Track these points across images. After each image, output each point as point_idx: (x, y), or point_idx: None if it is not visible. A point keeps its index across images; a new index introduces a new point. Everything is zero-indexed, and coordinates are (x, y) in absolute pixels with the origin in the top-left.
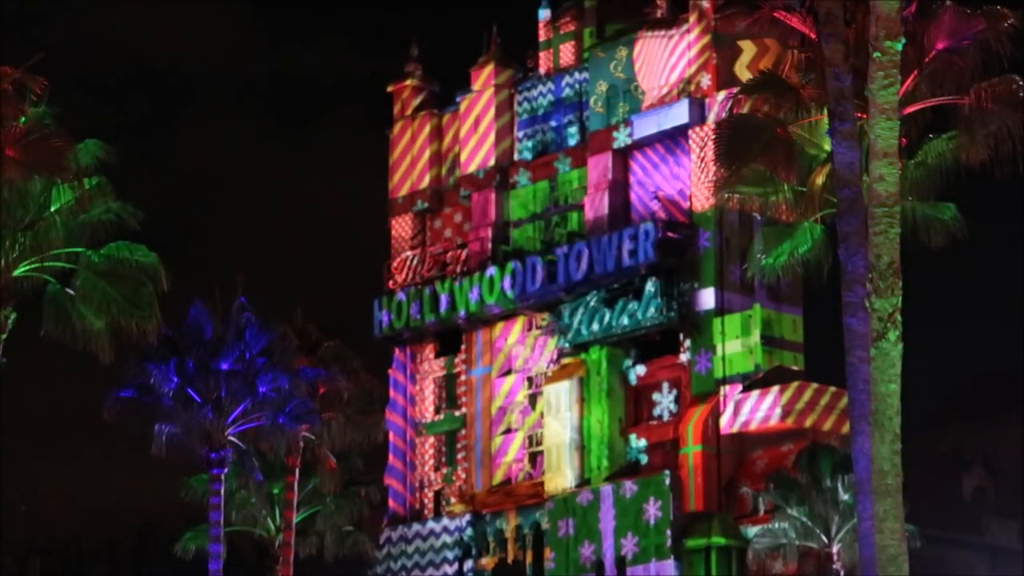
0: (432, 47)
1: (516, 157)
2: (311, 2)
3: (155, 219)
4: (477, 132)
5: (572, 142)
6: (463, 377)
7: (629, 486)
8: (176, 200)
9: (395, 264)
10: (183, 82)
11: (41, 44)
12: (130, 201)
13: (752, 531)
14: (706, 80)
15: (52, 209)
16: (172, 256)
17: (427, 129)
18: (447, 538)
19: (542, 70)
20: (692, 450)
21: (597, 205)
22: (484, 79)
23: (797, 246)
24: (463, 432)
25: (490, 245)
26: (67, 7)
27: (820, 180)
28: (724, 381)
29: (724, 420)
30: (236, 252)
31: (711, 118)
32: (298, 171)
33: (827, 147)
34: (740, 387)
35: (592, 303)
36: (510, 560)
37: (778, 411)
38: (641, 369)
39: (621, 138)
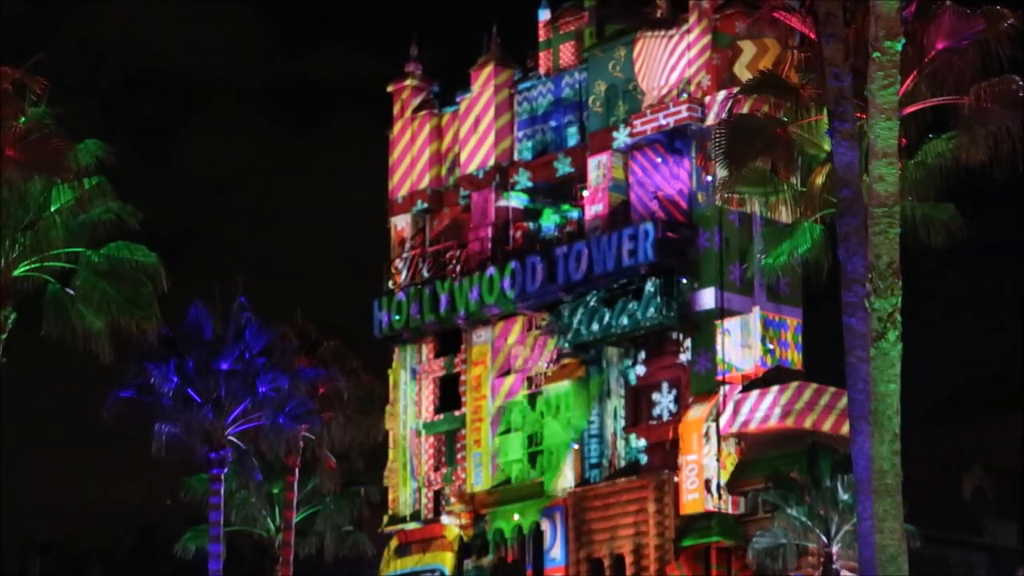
0: (432, 47)
1: (516, 157)
2: (318, 6)
3: (161, 220)
4: (477, 132)
5: (572, 142)
6: (463, 377)
7: (629, 486)
8: (183, 201)
9: (395, 264)
10: (192, 85)
11: (52, 47)
12: (138, 202)
13: (752, 531)
14: (706, 80)
15: (52, 209)
16: (178, 256)
17: (427, 129)
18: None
19: (542, 70)
20: (692, 450)
21: (597, 205)
22: (484, 79)
23: (797, 246)
24: (463, 432)
25: (490, 245)
26: (78, 11)
27: (820, 180)
28: (724, 381)
29: (724, 420)
30: (238, 252)
31: (711, 118)
32: (301, 172)
33: (827, 147)
34: (740, 387)
35: (592, 303)
36: (510, 560)
37: (778, 411)
38: (641, 369)
39: (621, 138)
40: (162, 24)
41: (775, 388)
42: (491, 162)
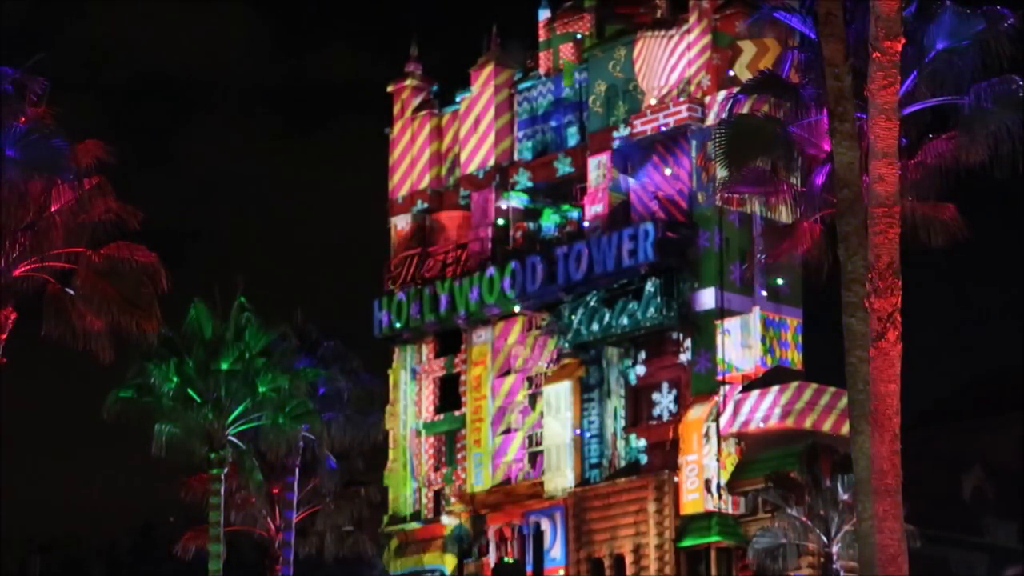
0: (432, 47)
1: (516, 157)
2: (319, 7)
3: (161, 220)
4: (477, 132)
5: (572, 142)
6: (463, 377)
7: (629, 486)
8: (183, 201)
9: (395, 264)
10: (193, 86)
11: (54, 47)
12: (138, 202)
13: (752, 531)
14: (706, 80)
15: (52, 209)
16: (178, 256)
17: (427, 129)
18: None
19: (542, 70)
20: (692, 450)
21: (597, 205)
22: (484, 79)
23: (797, 246)
24: (463, 432)
25: (490, 245)
26: (81, 13)
27: (820, 180)
28: (724, 381)
29: (724, 420)
30: (238, 252)
31: (711, 118)
32: (302, 172)
33: (827, 147)
34: (740, 387)
35: (592, 303)
36: (510, 560)
37: (778, 411)
38: (641, 369)
39: (621, 138)
40: (164, 24)
41: (775, 388)
42: (491, 162)
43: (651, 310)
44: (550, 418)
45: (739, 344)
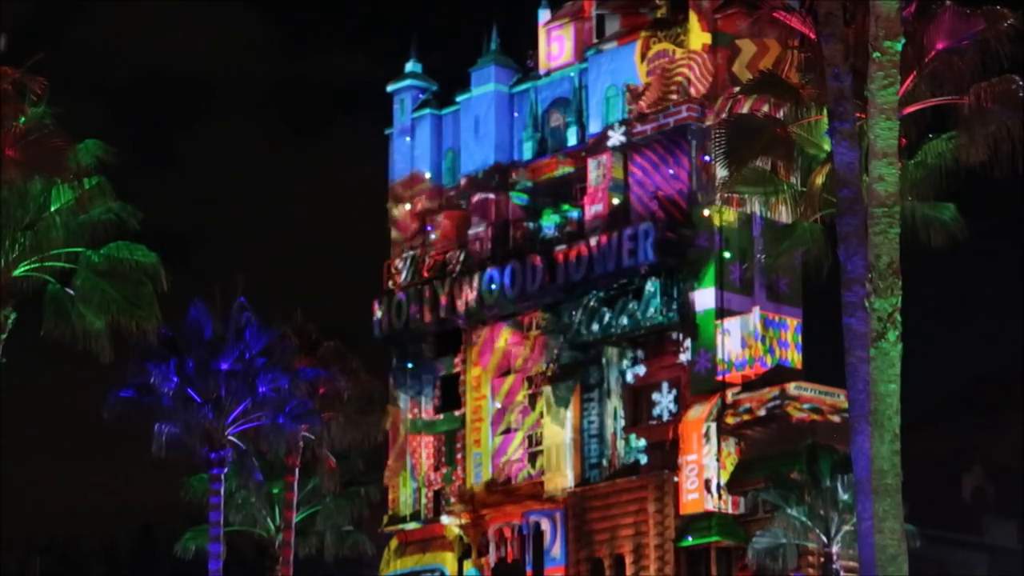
0: (432, 47)
1: (516, 157)
2: (320, 9)
3: (162, 220)
4: (477, 132)
5: (572, 142)
6: (463, 377)
7: (629, 486)
8: (184, 201)
9: (395, 264)
10: (196, 87)
11: (58, 48)
12: (139, 202)
13: (752, 531)
14: (706, 80)
15: (52, 209)
16: (178, 256)
17: (427, 129)
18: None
19: (542, 70)
20: (692, 450)
21: (597, 205)
22: (484, 79)
23: (797, 246)
24: (463, 432)
25: (490, 245)
26: (84, 13)
27: (820, 180)
28: (724, 381)
29: (723, 419)
30: (238, 252)
31: (711, 118)
32: (302, 173)
33: (827, 147)
34: (739, 387)
35: (592, 303)
36: (510, 560)
37: (777, 411)
38: (641, 369)
39: (619, 137)
40: (167, 26)
41: (774, 387)
42: (491, 162)
43: (651, 310)
44: (550, 418)
45: (739, 344)
